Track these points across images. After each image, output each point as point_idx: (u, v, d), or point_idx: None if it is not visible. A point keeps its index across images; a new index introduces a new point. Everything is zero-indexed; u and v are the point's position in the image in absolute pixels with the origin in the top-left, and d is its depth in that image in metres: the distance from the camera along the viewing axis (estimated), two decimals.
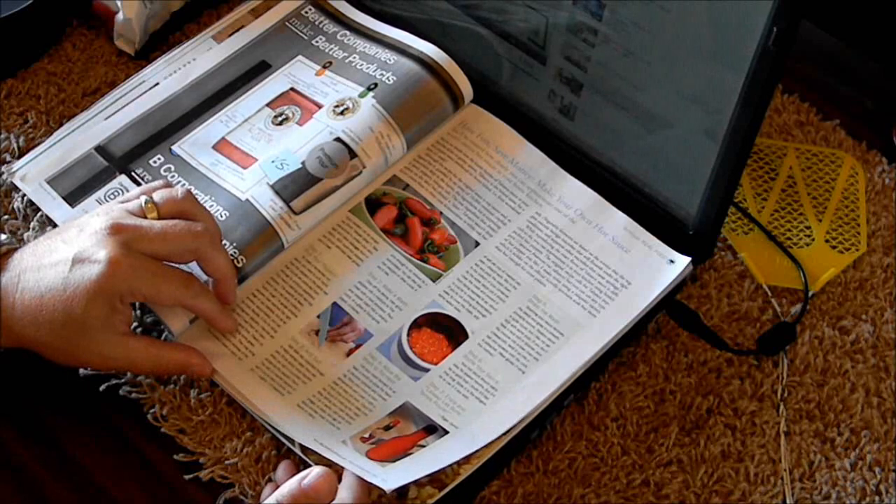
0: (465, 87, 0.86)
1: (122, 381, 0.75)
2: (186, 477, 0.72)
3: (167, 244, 0.71)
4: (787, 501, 0.74)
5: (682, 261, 0.79)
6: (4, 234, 0.77)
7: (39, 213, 0.81)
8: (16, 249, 0.72)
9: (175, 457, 0.73)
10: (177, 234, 0.71)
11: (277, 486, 0.67)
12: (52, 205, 0.81)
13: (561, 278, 0.79)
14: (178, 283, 0.71)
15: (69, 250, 0.69)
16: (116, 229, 0.69)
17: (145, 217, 0.72)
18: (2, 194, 0.83)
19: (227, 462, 0.72)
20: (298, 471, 0.68)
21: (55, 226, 0.80)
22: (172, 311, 0.74)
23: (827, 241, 0.86)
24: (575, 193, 0.83)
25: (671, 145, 0.79)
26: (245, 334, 0.76)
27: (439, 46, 0.87)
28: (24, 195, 0.82)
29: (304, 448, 0.70)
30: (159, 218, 0.72)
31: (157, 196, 0.73)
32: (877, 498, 0.74)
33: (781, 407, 0.77)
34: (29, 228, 0.81)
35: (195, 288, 0.72)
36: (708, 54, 0.73)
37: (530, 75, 0.85)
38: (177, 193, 0.73)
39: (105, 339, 0.69)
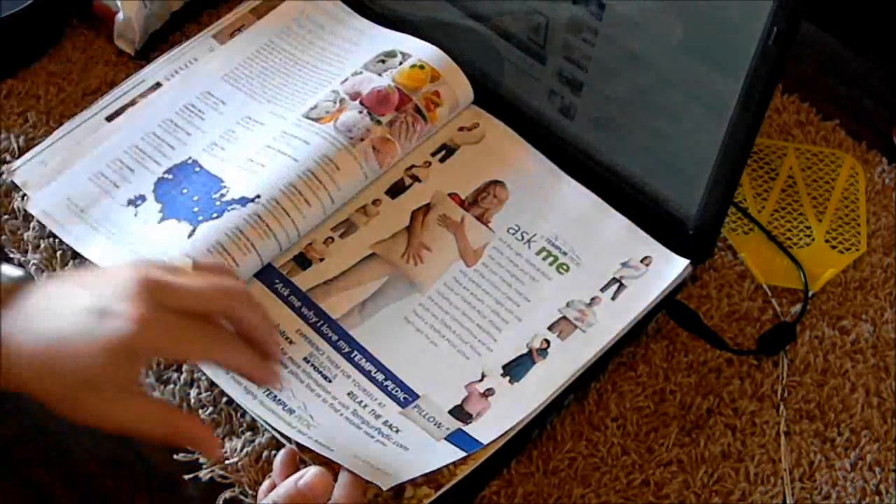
0: (465, 90, 0.86)
1: None
2: (186, 477, 0.72)
3: (200, 302, 0.64)
4: (787, 501, 0.74)
5: (682, 263, 0.79)
6: (17, 270, 0.73)
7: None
8: (23, 286, 0.64)
9: (175, 456, 0.72)
10: (211, 292, 0.65)
11: (274, 485, 0.68)
12: (53, 228, 0.81)
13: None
14: (208, 340, 0.64)
15: (92, 300, 0.62)
16: (146, 284, 0.62)
17: (177, 269, 0.66)
18: (2, 194, 0.83)
19: (226, 462, 0.72)
20: (296, 464, 0.69)
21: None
22: None
23: (827, 241, 0.86)
24: (574, 195, 0.83)
25: (671, 145, 0.79)
26: None
27: (438, 44, 0.87)
28: (25, 195, 0.82)
29: (300, 446, 0.70)
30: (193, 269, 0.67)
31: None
32: (877, 498, 0.74)
33: (781, 407, 0.77)
34: (29, 228, 0.81)
35: (227, 344, 0.66)
36: (708, 54, 0.73)
37: (530, 75, 0.85)
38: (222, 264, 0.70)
39: (116, 400, 0.62)
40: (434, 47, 0.86)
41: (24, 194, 0.82)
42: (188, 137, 0.85)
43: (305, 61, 0.89)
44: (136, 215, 0.81)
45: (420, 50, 0.87)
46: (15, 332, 0.62)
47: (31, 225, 0.81)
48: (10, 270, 0.68)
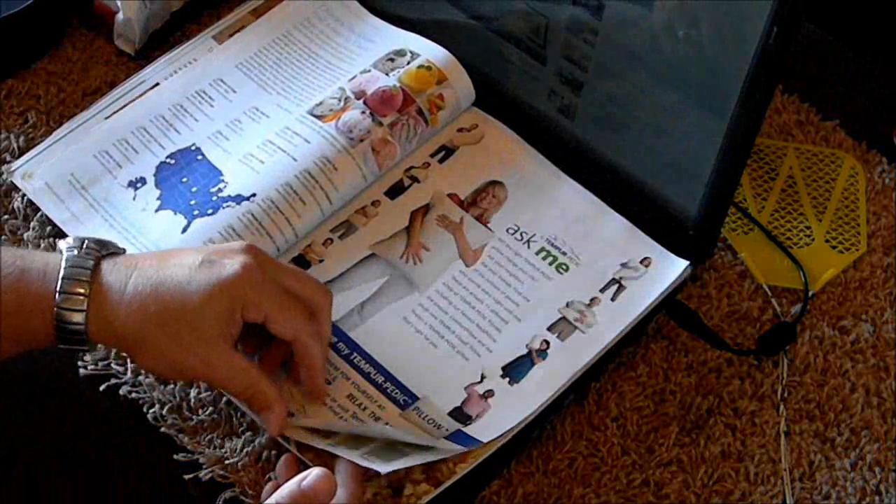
0: (468, 93, 0.86)
1: (123, 380, 0.75)
2: (186, 477, 0.72)
3: (298, 282, 0.70)
4: (787, 501, 0.74)
5: (681, 264, 0.79)
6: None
7: (39, 213, 0.81)
8: (122, 253, 0.69)
9: (175, 456, 0.73)
10: (308, 279, 0.72)
11: (278, 485, 0.67)
12: (51, 205, 0.81)
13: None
14: (303, 314, 0.70)
15: (202, 255, 0.67)
16: (253, 249, 0.69)
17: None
18: (2, 194, 0.83)
19: (226, 462, 0.72)
20: (298, 466, 0.69)
21: (55, 226, 0.80)
22: None
23: (827, 241, 0.86)
24: (574, 196, 0.83)
25: (671, 145, 0.79)
26: None
27: (438, 44, 0.87)
28: (24, 195, 0.82)
29: (299, 445, 0.70)
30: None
31: None
32: (877, 498, 0.74)
33: (781, 407, 0.77)
34: (29, 228, 0.81)
35: (314, 328, 0.70)
36: (708, 54, 0.73)
37: (530, 75, 0.85)
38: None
39: (213, 344, 0.66)
40: (443, 49, 0.86)
41: (24, 194, 0.82)
42: (195, 123, 0.85)
43: (319, 56, 0.89)
44: (134, 199, 0.81)
45: (429, 50, 0.87)
46: (117, 287, 0.66)
47: (31, 225, 0.81)
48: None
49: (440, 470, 0.69)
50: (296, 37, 0.91)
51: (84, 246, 0.67)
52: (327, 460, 0.69)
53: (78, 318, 0.65)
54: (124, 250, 0.70)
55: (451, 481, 0.69)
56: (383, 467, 0.67)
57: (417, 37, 0.88)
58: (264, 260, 0.69)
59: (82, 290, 0.65)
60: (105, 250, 0.68)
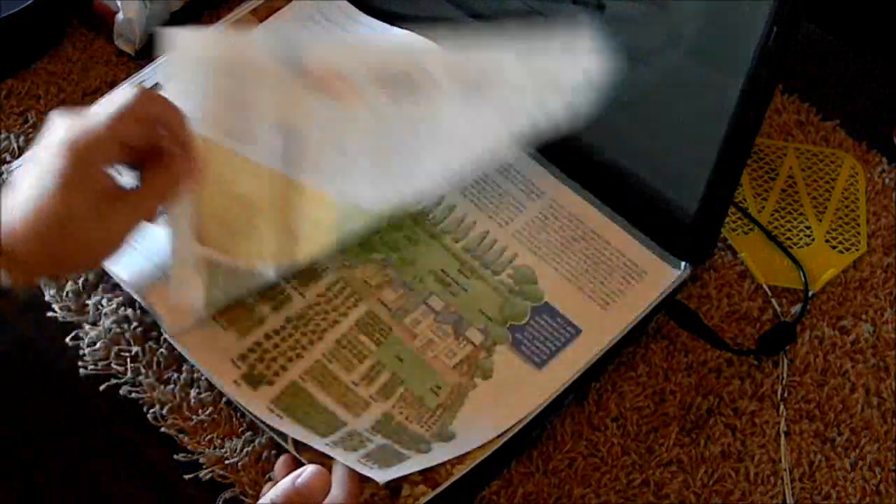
0: None
1: (123, 380, 0.75)
2: (186, 477, 0.72)
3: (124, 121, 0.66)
4: (788, 501, 0.74)
5: (680, 266, 0.79)
6: None
7: None
8: None
9: (175, 456, 0.73)
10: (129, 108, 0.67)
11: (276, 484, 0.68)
12: None
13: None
14: (139, 124, 0.67)
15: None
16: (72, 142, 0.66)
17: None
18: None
19: (226, 462, 0.72)
20: (296, 465, 0.68)
21: None
22: (171, 309, 0.74)
23: (827, 241, 0.86)
24: (569, 198, 0.83)
25: (671, 145, 0.79)
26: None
27: (436, 43, 0.87)
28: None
29: (297, 445, 0.70)
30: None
31: None
32: (877, 498, 0.74)
33: (781, 407, 0.77)
34: None
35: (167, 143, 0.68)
36: (708, 54, 0.73)
37: None
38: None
39: (92, 208, 0.65)
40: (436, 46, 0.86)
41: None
42: None
43: None
44: None
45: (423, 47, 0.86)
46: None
47: None
48: None
49: (438, 471, 0.69)
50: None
51: None
52: (325, 460, 0.69)
53: None
54: None
55: (448, 483, 0.69)
56: (381, 475, 0.67)
57: (412, 34, 0.88)
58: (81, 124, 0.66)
59: None
60: None
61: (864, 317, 0.82)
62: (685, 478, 0.74)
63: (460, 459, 0.70)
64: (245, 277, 0.75)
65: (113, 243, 0.68)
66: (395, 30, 0.89)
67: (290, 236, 0.74)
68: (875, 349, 0.80)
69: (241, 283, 0.75)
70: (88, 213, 0.65)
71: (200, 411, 0.74)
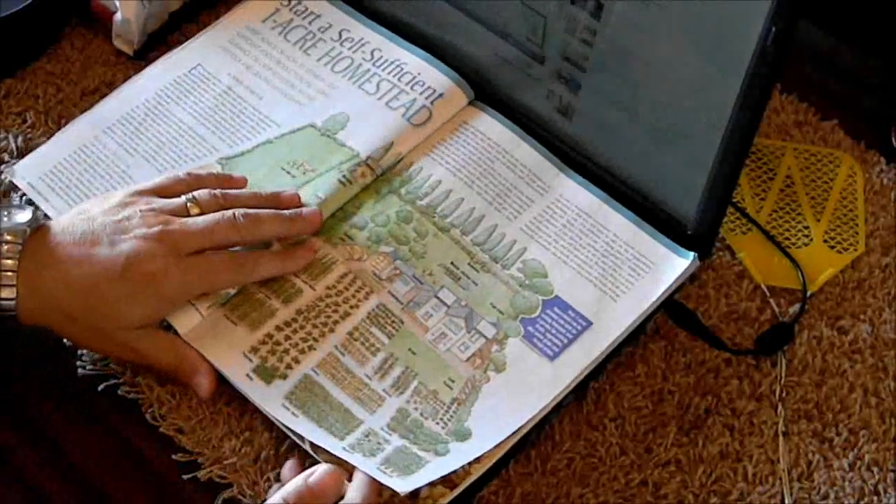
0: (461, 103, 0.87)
1: (121, 380, 0.75)
2: (185, 476, 0.72)
3: (213, 240, 0.72)
4: (786, 501, 0.74)
5: (688, 255, 0.79)
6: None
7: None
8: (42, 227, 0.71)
9: (173, 456, 0.73)
10: (221, 230, 0.72)
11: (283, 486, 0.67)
12: (51, 204, 0.81)
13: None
14: (230, 270, 0.73)
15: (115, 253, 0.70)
16: (162, 236, 0.70)
17: (188, 214, 0.73)
18: (1, 194, 0.83)
19: (225, 462, 0.72)
20: (304, 469, 0.68)
21: None
22: (180, 313, 0.74)
23: (825, 241, 0.86)
24: (575, 192, 0.83)
25: (670, 145, 0.79)
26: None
27: (437, 44, 0.87)
28: (24, 195, 0.82)
29: (314, 447, 0.70)
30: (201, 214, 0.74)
31: (199, 195, 0.74)
32: (875, 498, 0.74)
33: (780, 407, 0.77)
34: None
35: (249, 265, 0.74)
36: (706, 54, 0.73)
37: (528, 75, 0.85)
38: (218, 194, 0.74)
39: (134, 332, 0.71)
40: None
41: (24, 194, 0.82)
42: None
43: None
44: None
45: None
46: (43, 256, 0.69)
47: None
48: (20, 215, 0.71)
49: (456, 472, 0.69)
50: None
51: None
52: (342, 461, 0.69)
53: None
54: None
55: (466, 483, 0.69)
56: (402, 486, 0.67)
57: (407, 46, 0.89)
58: (177, 240, 0.71)
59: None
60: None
61: (862, 317, 0.82)
62: (683, 478, 0.74)
63: (476, 459, 0.70)
64: None
65: None
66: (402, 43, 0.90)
67: None
68: (873, 349, 0.80)
69: None
70: None
71: (199, 411, 0.74)
